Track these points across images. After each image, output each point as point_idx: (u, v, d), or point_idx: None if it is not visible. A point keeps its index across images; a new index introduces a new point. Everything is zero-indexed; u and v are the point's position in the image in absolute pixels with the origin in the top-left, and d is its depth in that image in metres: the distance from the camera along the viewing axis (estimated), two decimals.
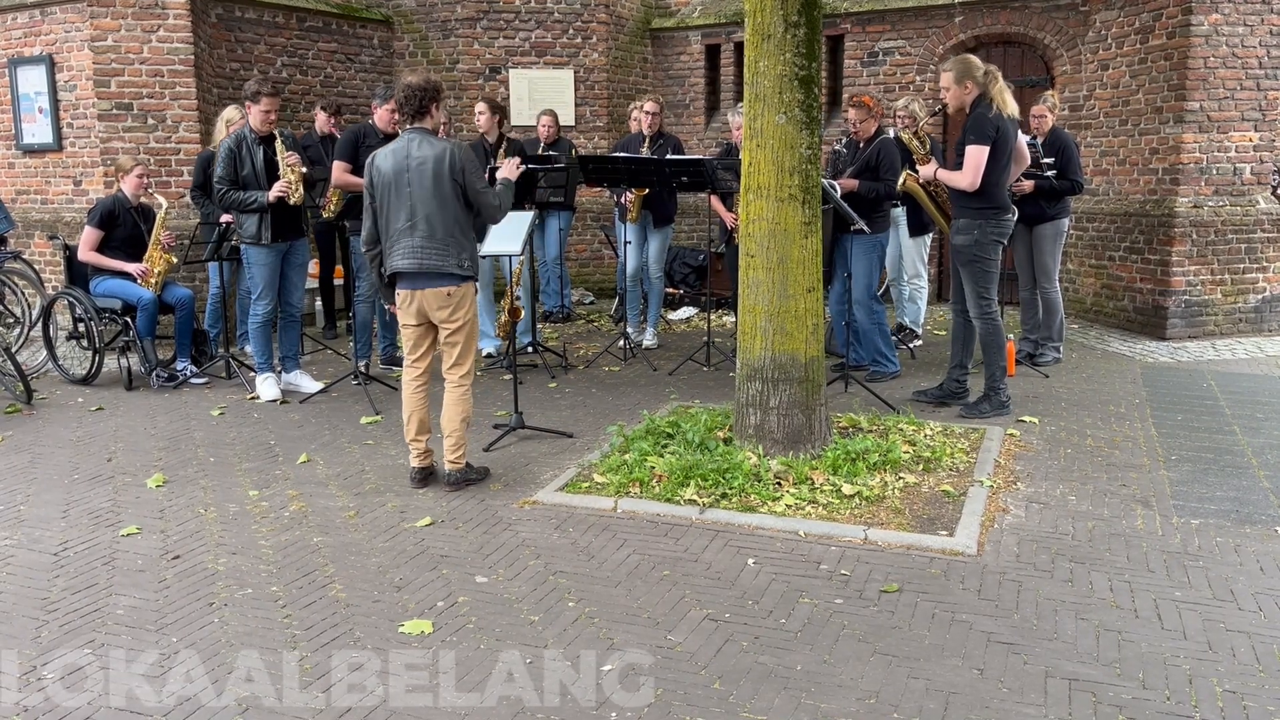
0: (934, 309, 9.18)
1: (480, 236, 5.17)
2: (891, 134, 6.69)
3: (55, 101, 8.69)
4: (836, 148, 6.98)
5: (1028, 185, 6.73)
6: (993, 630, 3.28)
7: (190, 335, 7.04)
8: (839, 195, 6.23)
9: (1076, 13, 8.87)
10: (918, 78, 9.67)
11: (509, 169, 5.06)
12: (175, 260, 6.99)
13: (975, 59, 5.70)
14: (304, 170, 6.36)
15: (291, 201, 6.26)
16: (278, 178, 6.25)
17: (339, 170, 6.64)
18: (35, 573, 3.84)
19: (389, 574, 3.79)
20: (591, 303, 10.47)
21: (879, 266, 6.78)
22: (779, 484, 4.50)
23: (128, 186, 6.90)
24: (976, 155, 5.48)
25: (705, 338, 7.43)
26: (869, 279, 6.62)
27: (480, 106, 7.58)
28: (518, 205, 6.44)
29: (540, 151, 8.02)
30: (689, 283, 10.10)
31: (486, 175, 5.40)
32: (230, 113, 7.28)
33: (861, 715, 2.80)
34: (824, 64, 9.61)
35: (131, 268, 6.79)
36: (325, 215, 7.19)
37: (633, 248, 7.89)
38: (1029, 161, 6.09)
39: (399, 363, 6.74)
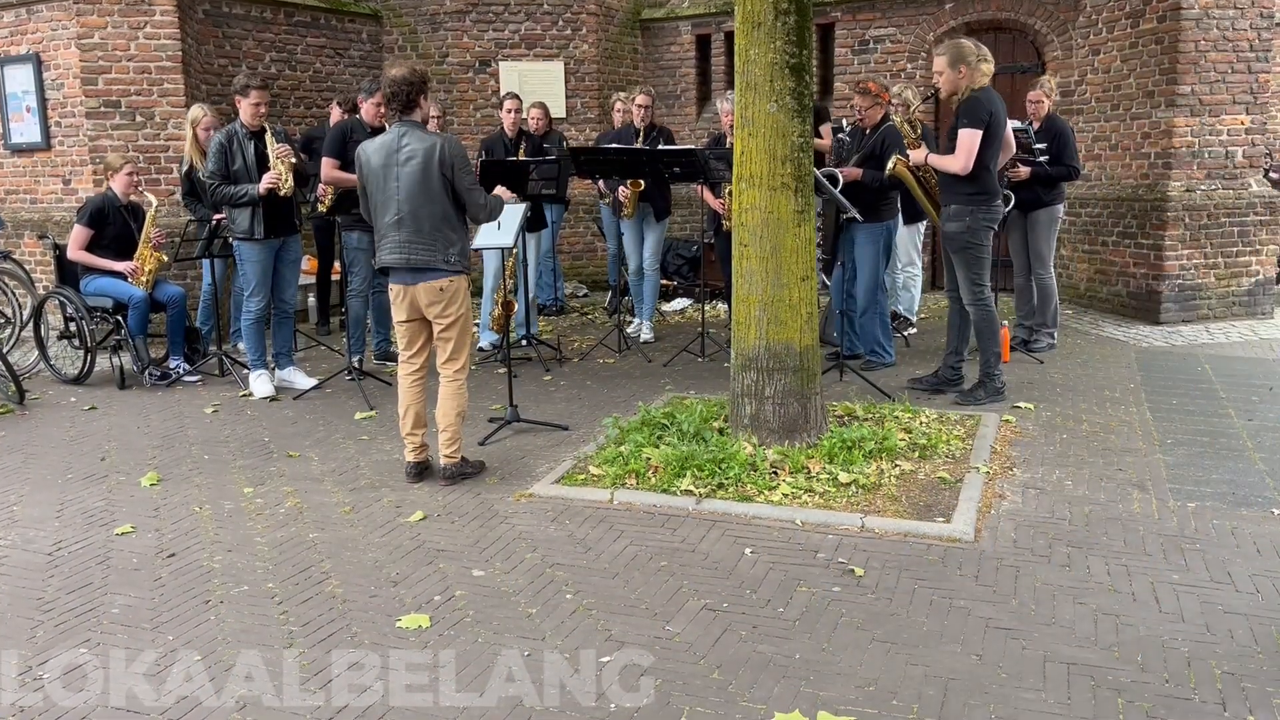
0: (927, 297, 9.17)
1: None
2: (894, 118, 6.65)
3: (43, 100, 8.63)
4: (841, 136, 6.92)
5: (1024, 172, 6.72)
6: (991, 616, 3.27)
7: (183, 333, 7.01)
8: (841, 184, 6.19)
9: None
10: (909, 65, 9.65)
11: (505, 194, 5.60)
12: (165, 258, 6.96)
13: (969, 43, 5.67)
14: (294, 161, 6.34)
15: (281, 193, 6.25)
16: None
17: (328, 166, 6.60)
18: (30, 573, 3.82)
19: (385, 569, 3.78)
20: (585, 295, 10.46)
21: (886, 255, 6.71)
22: (775, 473, 4.49)
23: (117, 185, 6.86)
24: (969, 139, 5.46)
25: (700, 328, 7.42)
26: (875, 268, 6.58)
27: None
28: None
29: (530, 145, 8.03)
30: (683, 274, 10.08)
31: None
32: (195, 112, 7.26)
33: (861, 702, 2.79)
34: (815, 52, 9.60)
35: (122, 266, 6.76)
36: (320, 209, 7.16)
37: (633, 244, 7.85)
38: (1015, 149, 6.07)
39: (393, 358, 6.74)
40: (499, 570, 3.73)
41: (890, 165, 6.22)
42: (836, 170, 6.36)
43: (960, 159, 5.50)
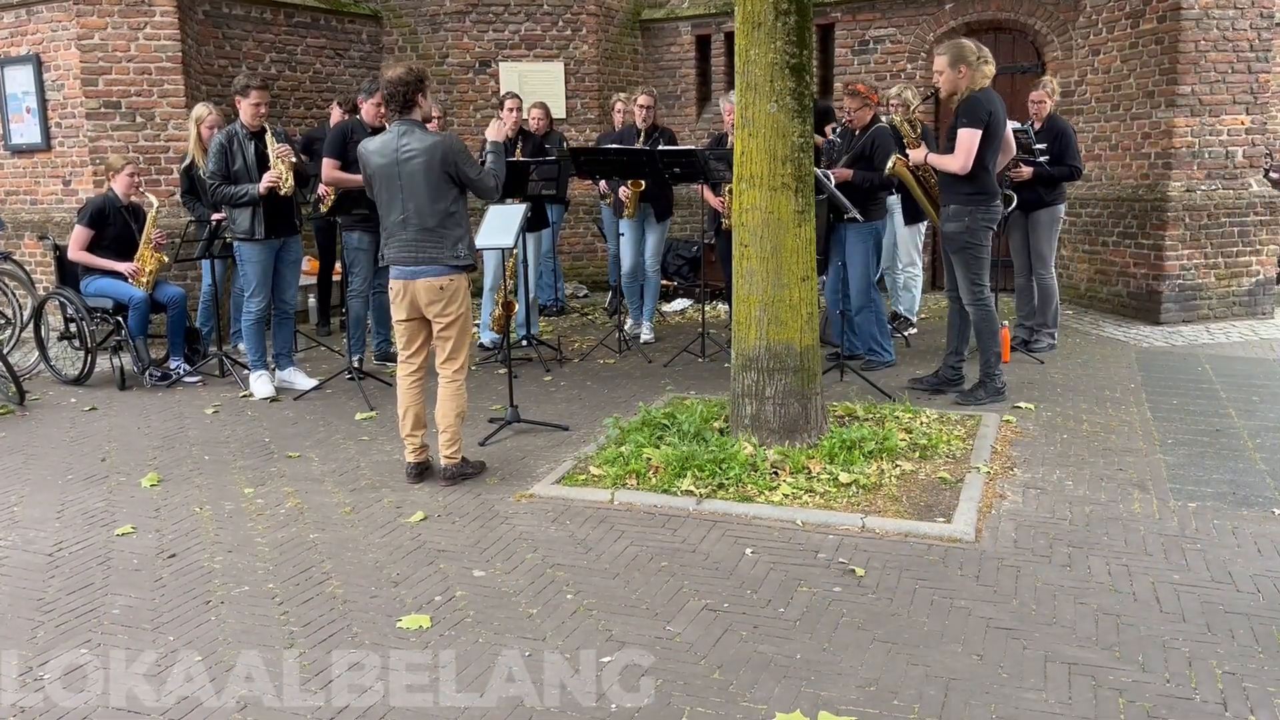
0: (927, 297, 9.17)
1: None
2: (883, 119, 6.67)
3: (43, 101, 8.64)
4: (831, 138, 6.95)
5: (1026, 172, 6.72)
6: (992, 616, 3.27)
7: (183, 334, 7.01)
8: (833, 185, 6.20)
9: None
10: (909, 65, 9.65)
11: (494, 130, 5.14)
12: (166, 259, 6.96)
13: (969, 43, 5.67)
14: (294, 161, 6.34)
15: (282, 192, 6.26)
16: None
17: (328, 167, 6.60)
18: (30, 574, 3.82)
19: (386, 569, 3.78)
20: (585, 296, 10.46)
21: (876, 255, 6.74)
22: (776, 473, 4.49)
23: (118, 186, 6.86)
24: (968, 138, 5.46)
25: (700, 329, 7.42)
26: (866, 268, 6.59)
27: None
28: (509, 193, 6.41)
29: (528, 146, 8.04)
30: (683, 274, 10.08)
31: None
32: (199, 110, 7.25)
33: (861, 702, 2.79)
34: (815, 53, 9.59)
35: (122, 267, 6.75)
36: (321, 210, 7.16)
37: (631, 244, 7.84)
38: (1015, 150, 6.07)
39: (393, 358, 6.74)
40: (499, 570, 3.73)
41: (890, 164, 6.23)
42: (829, 171, 6.36)
43: (959, 158, 5.50)
